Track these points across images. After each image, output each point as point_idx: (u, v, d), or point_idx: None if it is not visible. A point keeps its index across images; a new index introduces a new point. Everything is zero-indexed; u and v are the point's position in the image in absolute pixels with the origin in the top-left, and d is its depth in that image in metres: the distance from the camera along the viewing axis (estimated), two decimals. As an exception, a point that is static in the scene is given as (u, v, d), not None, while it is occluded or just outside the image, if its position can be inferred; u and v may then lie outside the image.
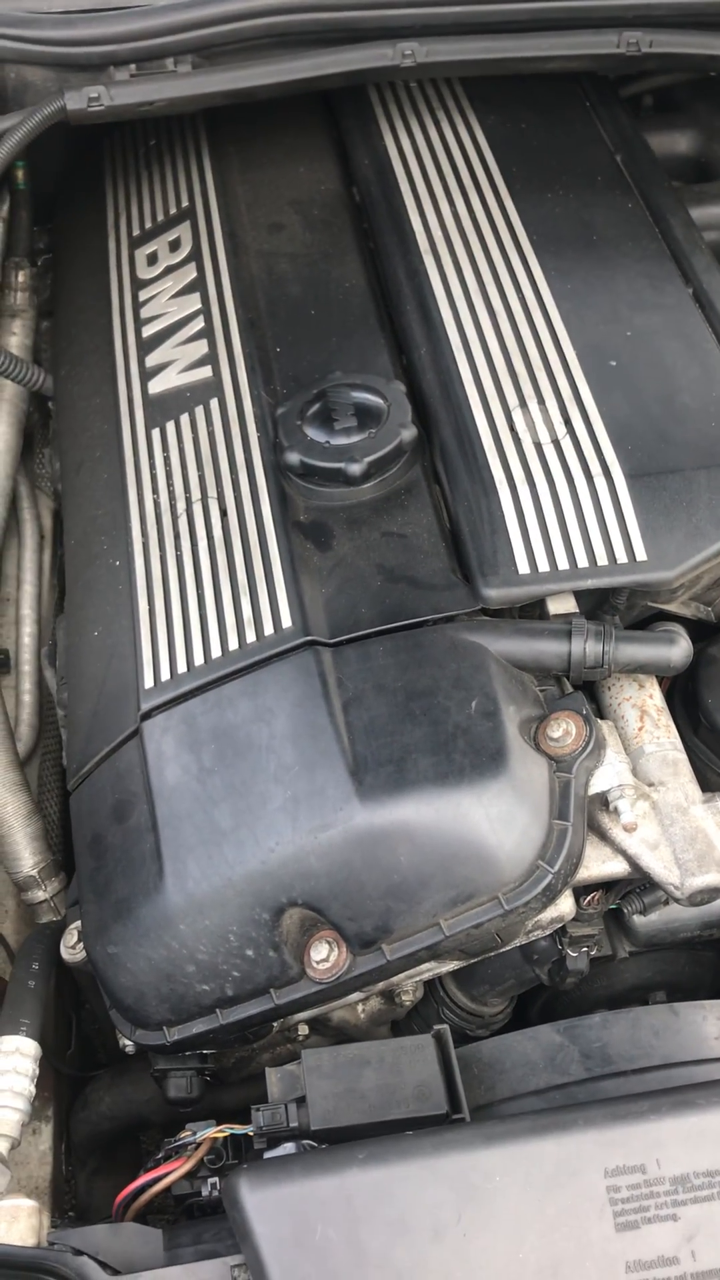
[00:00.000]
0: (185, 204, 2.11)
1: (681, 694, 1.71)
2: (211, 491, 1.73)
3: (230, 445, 1.76)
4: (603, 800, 1.50)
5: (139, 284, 2.04)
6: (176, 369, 1.89)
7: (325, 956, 1.45)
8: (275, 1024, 1.55)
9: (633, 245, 1.94)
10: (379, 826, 1.42)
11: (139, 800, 1.53)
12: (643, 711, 1.60)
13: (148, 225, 2.12)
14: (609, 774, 1.50)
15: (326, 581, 1.60)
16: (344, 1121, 1.35)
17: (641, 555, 1.58)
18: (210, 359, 1.87)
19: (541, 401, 1.72)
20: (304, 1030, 1.62)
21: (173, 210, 2.11)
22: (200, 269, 1.99)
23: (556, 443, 1.68)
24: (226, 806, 1.48)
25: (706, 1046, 1.52)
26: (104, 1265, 1.25)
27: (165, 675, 1.59)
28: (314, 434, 1.70)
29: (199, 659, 1.59)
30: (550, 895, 1.44)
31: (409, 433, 1.69)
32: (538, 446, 1.68)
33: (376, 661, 1.52)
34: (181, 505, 1.74)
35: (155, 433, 1.83)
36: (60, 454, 2.01)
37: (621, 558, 1.58)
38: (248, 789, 1.48)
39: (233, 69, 1.94)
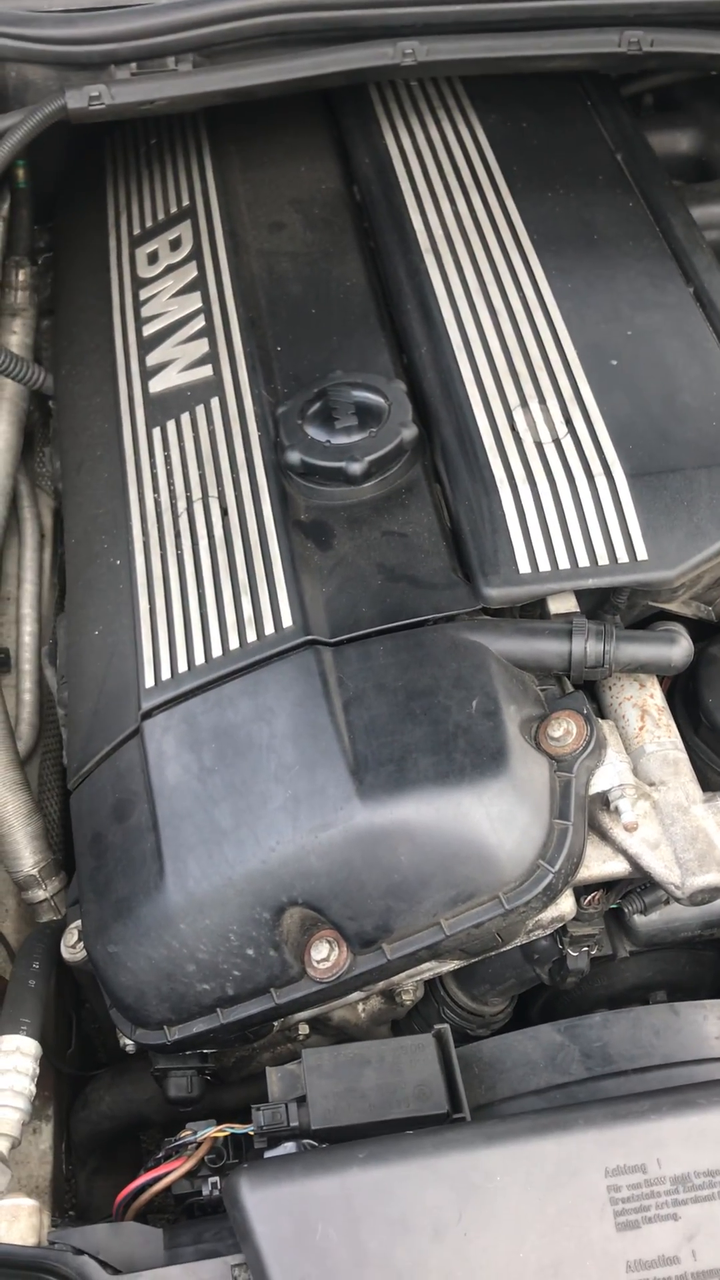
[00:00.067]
0: (186, 203, 2.11)
1: (682, 693, 1.71)
2: (212, 490, 1.73)
3: (231, 444, 1.76)
4: (603, 800, 1.50)
5: (139, 283, 2.04)
6: (177, 368, 1.89)
7: (326, 956, 1.44)
8: (276, 1023, 1.55)
9: (633, 244, 1.93)
10: (379, 826, 1.42)
11: (139, 799, 1.53)
12: (643, 711, 1.60)
13: (148, 224, 2.12)
14: (610, 773, 1.50)
15: (327, 581, 1.60)
16: (344, 1121, 1.35)
17: (642, 554, 1.58)
18: (211, 358, 1.87)
19: (542, 401, 1.72)
20: (304, 1030, 1.62)
21: (173, 209, 2.11)
22: (201, 268, 1.99)
23: (557, 442, 1.67)
24: (227, 806, 1.47)
25: (707, 1046, 1.52)
26: (104, 1264, 1.25)
27: (166, 674, 1.59)
28: (315, 433, 1.70)
29: (199, 658, 1.58)
30: (551, 895, 1.44)
31: (410, 432, 1.69)
32: (538, 446, 1.68)
33: (377, 661, 1.52)
34: (182, 504, 1.74)
35: (156, 431, 1.83)
36: (61, 453, 2.01)
37: (622, 557, 1.58)
38: (248, 788, 1.47)
39: (233, 68, 1.94)
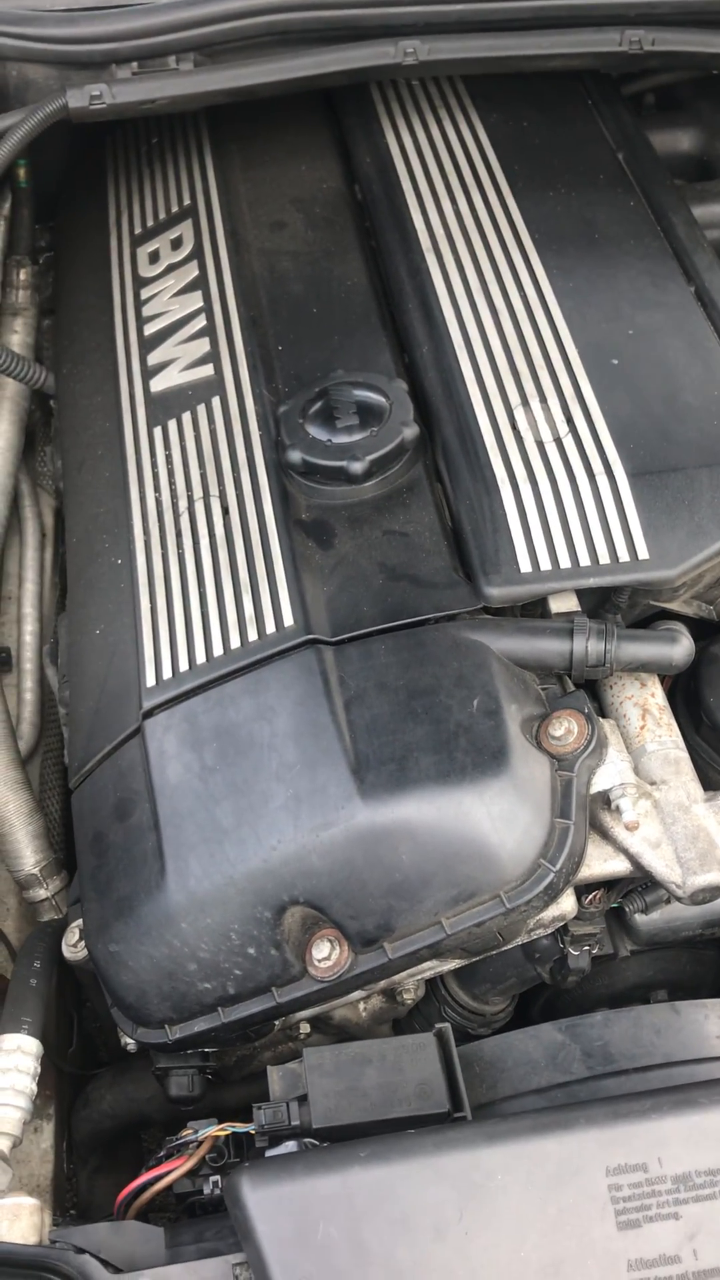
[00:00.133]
0: (187, 202, 2.11)
1: (683, 692, 1.71)
2: (213, 489, 1.73)
3: (232, 443, 1.76)
4: (604, 799, 1.50)
5: (141, 282, 2.04)
6: (178, 367, 1.89)
7: (327, 955, 1.44)
8: (277, 1022, 1.55)
9: (635, 243, 1.93)
10: (381, 825, 1.42)
11: (141, 798, 1.53)
12: (644, 710, 1.60)
13: (149, 223, 2.12)
14: (611, 773, 1.50)
15: (328, 580, 1.60)
16: (345, 1120, 1.35)
17: (643, 554, 1.58)
18: (212, 357, 1.87)
19: (543, 400, 1.72)
20: (305, 1028, 1.62)
21: (174, 208, 2.11)
22: (202, 267, 1.99)
23: (558, 441, 1.67)
24: (228, 805, 1.48)
25: (708, 1045, 1.52)
26: (105, 1263, 1.25)
27: (167, 673, 1.59)
28: (316, 432, 1.70)
29: (201, 657, 1.59)
30: (552, 894, 1.44)
31: (411, 431, 1.69)
32: (539, 445, 1.67)
33: (378, 660, 1.52)
34: (183, 503, 1.74)
35: (157, 431, 1.83)
36: (62, 452, 2.01)
37: (623, 556, 1.58)
38: (249, 787, 1.47)
39: (234, 67, 1.94)
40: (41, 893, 1.84)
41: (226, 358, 1.86)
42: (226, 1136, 1.46)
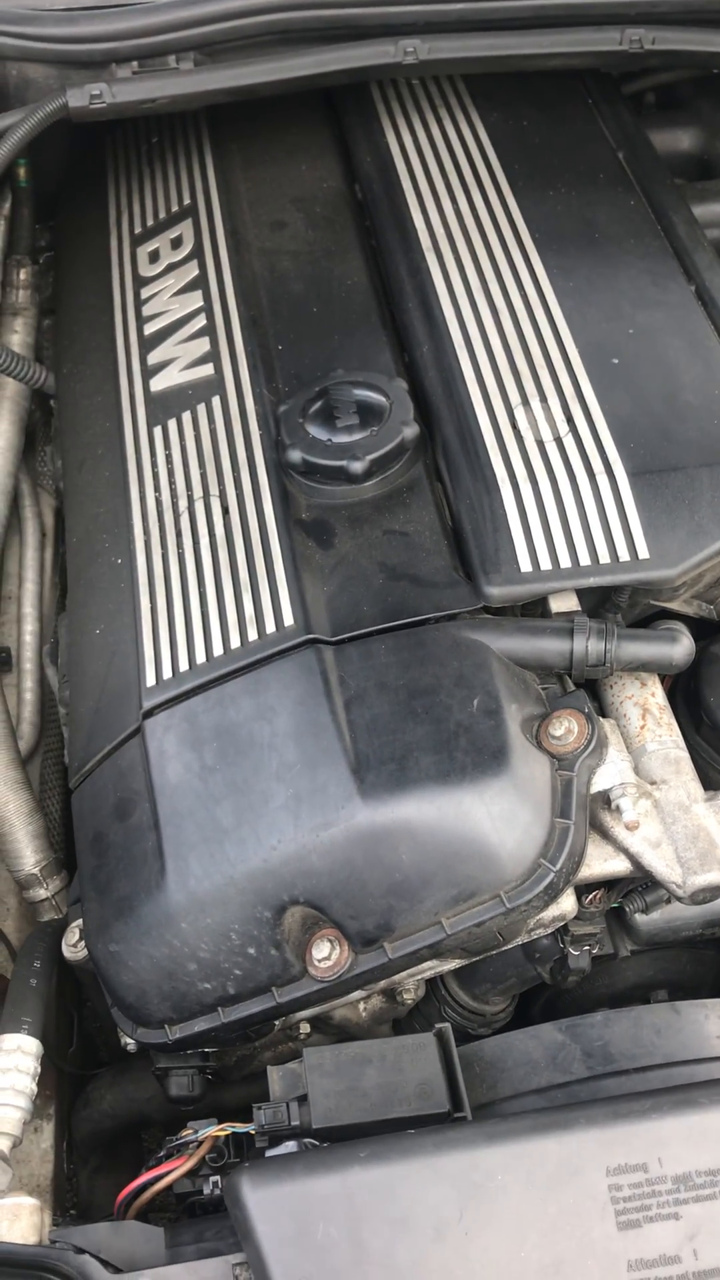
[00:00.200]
0: (187, 201, 2.11)
1: (683, 692, 1.71)
2: (213, 489, 1.73)
3: (232, 443, 1.76)
4: (605, 799, 1.50)
5: (141, 281, 2.04)
6: (178, 366, 1.89)
7: (327, 955, 1.44)
8: (277, 1022, 1.54)
9: (635, 243, 1.93)
10: (381, 825, 1.42)
11: (141, 798, 1.53)
12: (645, 710, 1.60)
13: (149, 223, 2.12)
14: (611, 772, 1.50)
15: (328, 579, 1.60)
16: (346, 1120, 1.35)
17: (644, 553, 1.57)
18: (212, 356, 1.87)
19: (544, 399, 1.72)
20: (306, 1028, 1.62)
21: (175, 208, 2.11)
22: (202, 266, 1.99)
23: (559, 440, 1.67)
24: (228, 804, 1.47)
25: (708, 1045, 1.52)
26: (105, 1263, 1.25)
27: (167, 673, 1.59)
28: (316, 432, 1.70)
29: (201, 657, 1.58)
30: (552, 894, 1.44)
31: (411, 430, 1.69)
32: (540, 444, 1.67)
33: (378, 660, 1.52)
34: (183, 503, 1.74)
35: (157, 430, 1.83)
36: (62, 451, 2.01)
37: (624, 556, 1.58)
38: (249, 787, 1.47)
39: (235, 66, 1.94)
40: (41, 893, 1.84)
41: (226, 357, 1.86)
42: (226, 1136, 1.46)
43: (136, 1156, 1.85)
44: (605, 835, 1.52)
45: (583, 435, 1.67)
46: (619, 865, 1.51)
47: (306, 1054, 1.39)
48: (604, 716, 1.58)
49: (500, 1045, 1.55)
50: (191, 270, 2.00)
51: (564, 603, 1.59)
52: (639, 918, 1.61)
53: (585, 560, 1.58)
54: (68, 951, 1.59)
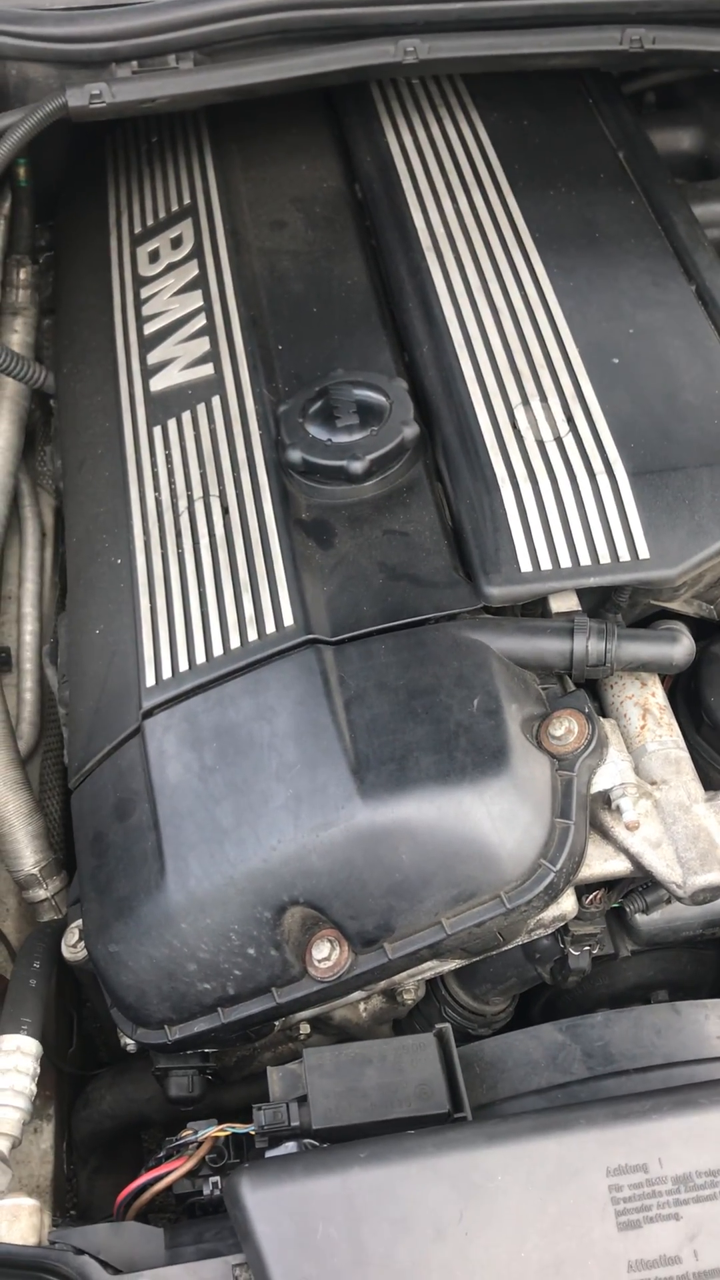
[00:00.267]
0: (187, 201, 2.11)
1: (684, 692, 1.71)
2: (213, 489, 1.73)
3: (232, 443, 1.76)
4: (605, 799, 1.50)
5: (141, 281, 2.04)
6: (178, 366, 1.89)
7: (327, 955, 1.44)
8: (277, 1023, 1.54)
9: (635, 242, 1.93)
10: (381, 825, 1.42)
11: (140, 798, 1.53)
12: (645, 710, 1.60)
13: (149, 222, 2.12)
14: (611, 772, 1.50)
15: (328, 579, 1.60)
16: (345, 1120, 1.35)
17: (644, 553, 1.57)
18: (212, 356, 1.87)
19: (544, 399, 1.72)
20: (305, 1029, 1.62)
21: (174, 207, 2.11)
22: (202, 266, 1.99)
23: (559, 440, 1.67)
24: (228, 805, 1.47)
25: (708, 1045, 1.52)
26: (105, 1264, 1.25)
27: (167, 673, 1.59)
28: (316, 431, 1.70)
29: (200, 657, 1.58)
30: (552, 894, 1.44)
31: (411, 430, 1.68)
32: (540, 444, 1.67)
33: (378, 660, 1.52)
34: (183, 503, 1.73)
35: (157, 430, 1.83)
36: (62, 451, 2.01)
37: (624, 556, 1.57)
38: (249, 787, 1.47)
39: (235, 66, 1.94)
40: (41, 893, 1.84)
41: (226, 357, 1.86)
42: (226, 1137, 1.46)
43: (136, 1157, 1.85)
44: (605, 835, 1.52)
45: (583, 435, 1.67)
46: (619, 865, 1.51)
47: (306, 1054, 1.39)
48: (604, 716, 1.57)
49: (500, 1046, 1.54)
50: (191, 270, 2.00)
51: (564, 603, 1.59)
52: (639, 918, 1.61)
53: (585, 560, 1.57)
54: (67, 952, 1.59)
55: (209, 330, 1.90)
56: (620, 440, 1.66)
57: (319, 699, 1.50)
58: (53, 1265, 1.24)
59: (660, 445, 1.67)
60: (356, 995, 1.54)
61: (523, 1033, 1.56)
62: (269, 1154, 1.36)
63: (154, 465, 1.79)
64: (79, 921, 1.57)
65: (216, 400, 1.82)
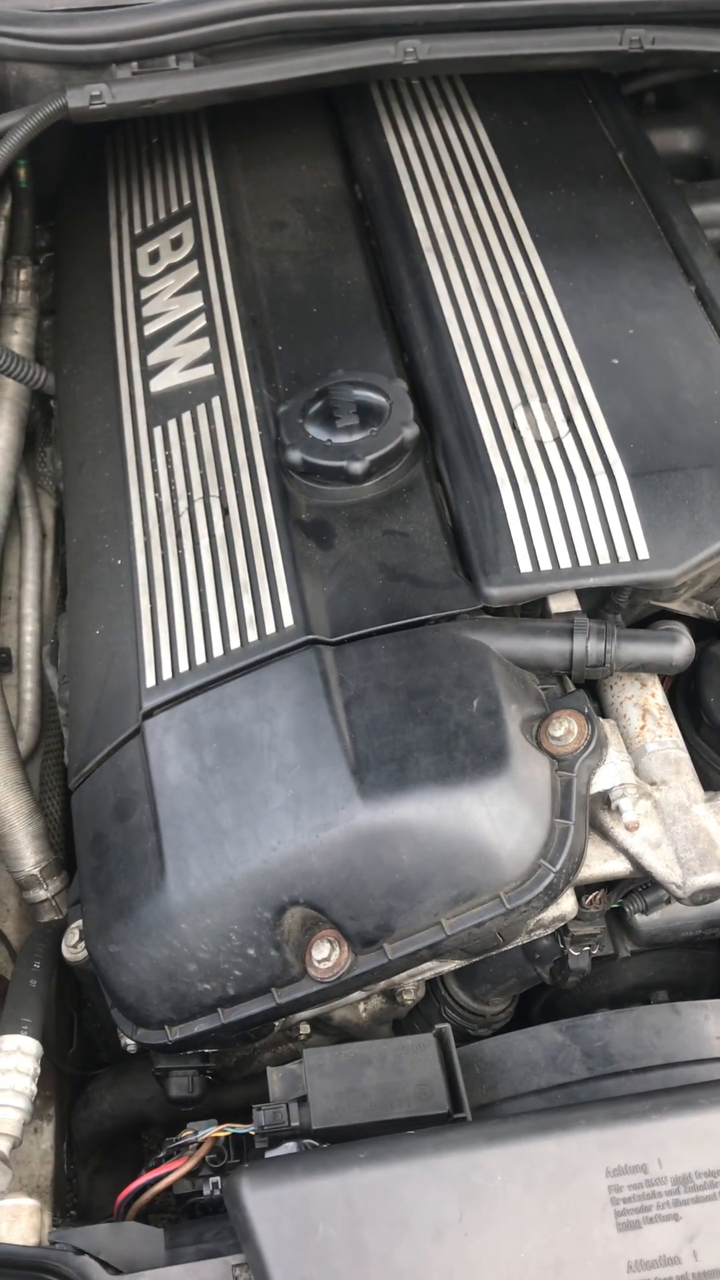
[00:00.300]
0: (187, 202, 2.11)
1: (683, 692, 1.71)
2: (213, 490, 1.73)
3: (232, 443, 1.76)
4: (604, 799, 1.50)
5: (141, 282, 2.04)
6: (178, 367, 1.89)
7: (327, 955, 1.44)
8: (277, 1023, 1.54)
9: (635, 243, 1.93)
10: (380, 825, 1.42)
11: (141, 799, 1.53)
12: (645, 710, 1.60)
13: (149, 223, 2.12)
14: (611, 773, 1.50)
15: (328, 580, 1.60)
16: (345, 1121, 1.35)
17: (644, 554, 1.57)
18: (212, 357, 1.87)
19: (543, 399, 1.72)
20: (305, 1029, 1.62)
21: (174, 208, 2.11)
22: (202, 267, 1.99)
23: (558, 441, 1.67)
24: (228, 805, 1.47)
25: (708, 1046, 1.52)
26: (105, 1265, 1.25)
27: (167, 674, 1.59)
28: (316, 432, 1.70)
29: (200, 657, 1.58)
30: (552, 894, 1.44)
31: (411, 431, 1.69)
32: (540, 444, 1.67)
33: (378, 660, 1.52)
34: (183, 503, 1.74)
35: (157, 431, 1.83)
36: (62, 452, 2.01)
37: (624, 556, 1.57)
38: (249, 788, 1.47)
39: (235, 67, 1.94)
40: (41, 893, 1.84)
41: (226, 358, 1.86)
42: (226, 1137, 1.46)
43: (136, 1157, 1.84)
44: (605, 836, 1.52)
45: (583, 435, 1.67)
46: (619, 866, 1.51)
47: (306, 1055, 1.39)
48: (604, 717, 1.57)
49: (500, 1046, 1.54)
50: (191, 271, 2.00)
51: (564, 603, 1.59)
52: (639, 918, 1.61)
53: (585, 560, 1.58)
54: (68, 952, 1.59)
55: (209, 331, 1.91)
56: (620, 441, 1.66)
57: (319, 699, 1.50)
58: (53, 1265, 1.24)
59: (660, 446, 1.67)
60: (356, 996, 1.54)
61: (522, 1033, 1.56)
62: (269, 1154, 1.36)
63: (154, 466, 1.79)
64: (79, 922, 1.58)
65: (216, 401, 1.82)
